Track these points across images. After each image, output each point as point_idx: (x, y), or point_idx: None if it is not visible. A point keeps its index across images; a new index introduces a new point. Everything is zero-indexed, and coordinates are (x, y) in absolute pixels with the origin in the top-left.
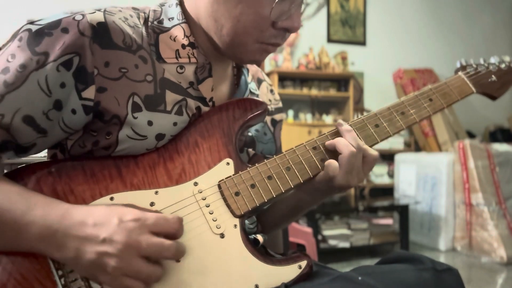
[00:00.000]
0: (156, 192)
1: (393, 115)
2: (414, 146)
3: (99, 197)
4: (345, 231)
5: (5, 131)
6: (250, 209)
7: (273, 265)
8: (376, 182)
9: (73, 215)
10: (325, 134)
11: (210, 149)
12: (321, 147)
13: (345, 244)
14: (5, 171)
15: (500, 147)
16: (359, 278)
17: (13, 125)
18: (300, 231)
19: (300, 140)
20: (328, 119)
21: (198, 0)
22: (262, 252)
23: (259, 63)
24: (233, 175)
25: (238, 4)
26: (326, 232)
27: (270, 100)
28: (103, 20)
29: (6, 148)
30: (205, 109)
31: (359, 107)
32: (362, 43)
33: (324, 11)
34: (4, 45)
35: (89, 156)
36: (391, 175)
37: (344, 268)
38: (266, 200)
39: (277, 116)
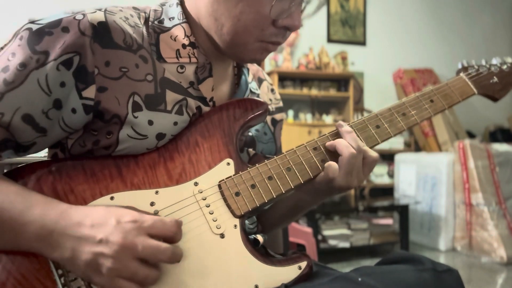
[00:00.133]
0: (157, 192)
1: (394, 116)
2: (414, 146)
3: (99, 196)
4: (345, 231)
5: (5, 129)
6: (250, 209)
7: (273, 266)
8: (376, 182)
9: (71, 215)
10: (325, 134)
11: (211, 149)
12: (322, 148)
13: (345, 244)
14: (5, 170)
15: (500, 147)
16: (359, 278)
17: (12, 123)
18: (300, 231)
19: (300, 140)
20: (328, 119)
21: (198, 0)
22: (262, 252)
23: (260, 62)
24: (234, 175)
25: (239, 3)
26: (326, 232)
27: (270, 100)
28: (103, 19)
29: (6, 147)
30: (205, 109)
31: (359, 107)
32: (362, 43)
33: (324, 11)
34: (5, 45)
35: (90, 155)
36: (391, 175)
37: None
38: (266, 201)
39: (278, 116)
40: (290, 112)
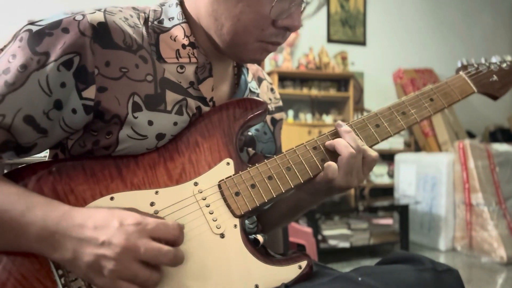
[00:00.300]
0: (156, 192)
1: (393, 115)
2: (414, 146)
3: (99, 196)
4: (345, 231)
5: (6, 131)
6: (250, 209)
7: (273, 265)
8: (376, 182)
9: (73, 217)
10: (325, 134)
11: (211, 149)
12: (322, 147)
13: (345, 244)
14: (5, 171)
15: (500, 147)
16: (359, 278)
17: (14, 125)
18: (300, 231)
19: (300, 140)
20: (328, 119)
21: (198, 0)
22: (262, 252)
23: (260, 62)
24: (233, 175)
25: (238, 3)
26: (326, 232)
27: (270, 99)
28: (103, 20)
29: (7, 149)
30: (205, 109)
31: (359, 107)
32: (362, 43)
33: (324, 11)
34: (5, 46)
35: (90, 155)
36: (391, 175)
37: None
38: (266, 200)
39: (277, 115)
40: (290, 112)
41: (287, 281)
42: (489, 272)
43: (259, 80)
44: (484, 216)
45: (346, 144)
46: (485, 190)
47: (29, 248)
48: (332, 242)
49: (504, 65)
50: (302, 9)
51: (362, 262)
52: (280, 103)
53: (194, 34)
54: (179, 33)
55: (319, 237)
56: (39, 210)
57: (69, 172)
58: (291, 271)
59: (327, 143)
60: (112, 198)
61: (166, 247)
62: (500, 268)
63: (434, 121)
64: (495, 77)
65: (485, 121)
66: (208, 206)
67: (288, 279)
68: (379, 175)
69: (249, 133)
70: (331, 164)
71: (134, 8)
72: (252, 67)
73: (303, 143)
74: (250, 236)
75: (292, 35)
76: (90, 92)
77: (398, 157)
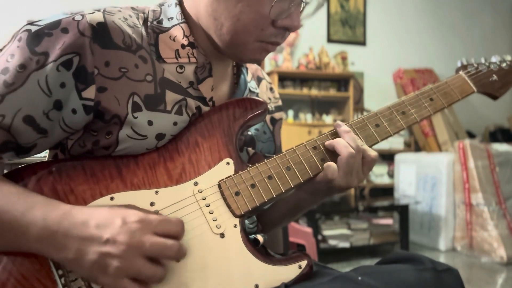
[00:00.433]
0: (156, 192)
1: (393, 114)
2: (414, 146)
3: (99, 196)
4: (345, 231)
5: (6, 131)
6: (250, 209)
7: (273, 265)
8: (376, 182)
9: (75, 216)
10: (325, 134)
11: (210, 149)
12: (321, 147)
13: (345, 244)
14: (5, 171)
15: (500, 147)
16: (359, 278)
17: (13, 125)
18: (300, 231)
19: (300, 140)
20: (328, 119)
21: (197, 0)
22: (262, 252)
23: (259, 62)
24: (233, 174)
25: (238, 3)
26: (326, 232)
27: (269, 99)
28: (102, 20)
29: (7, 149)
30: (205, 108)
31: (359, 107)
32: (362, 43)
33: (324, 11)
34: (4, 46)
35: (89, 155)
36: (391, 175)
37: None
38: (266, 200)
39: (277, 115)
40: (290, 112)
41: (287, 281)
42: (489, 272)
43: (259, 80)
44: (484, 216)
45: (345, 144)
46: (485, 190)
47: (30, 248)
48: (332, 242)
49: (504, 64)
50: (302, 9)
51: (362, 262)
52: (280, 103)
53: (194, 34)
54: (179, 33)
55: (319, 237)
56: (39, 210)
57: (69, 172)
58: (291, 271)
59: (327, 143)
60: (112, 198)
61: (170, 241)
62: (500, 268)
63: (434, 121)
64: (495, 77)
65: (485, 121)
66: (208, 206)
67: (288, 278)
68: (379, 175)
69: (249, 133)
70: (331, 164)
71: (133, 8)
72: (252, 67)
73: (303, 143)
74: (250, 236)
75: (292, 35)
76: (90, 92)
77: (398, 157)
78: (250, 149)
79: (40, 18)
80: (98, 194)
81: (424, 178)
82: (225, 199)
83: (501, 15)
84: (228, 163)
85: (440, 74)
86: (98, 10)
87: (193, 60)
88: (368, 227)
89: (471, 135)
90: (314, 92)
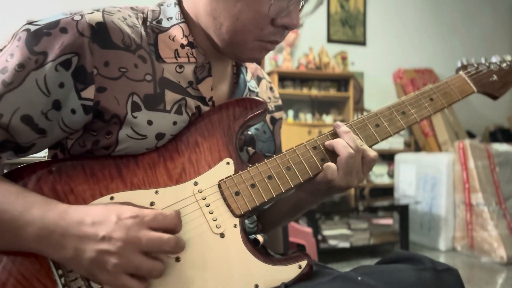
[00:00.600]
0: (156, 192)
1: (393, 114)
2: (414, 146)
3: (99, 196)
4: (345, 231)
5: (4, 130)
6: (250, 208)
7: (273, 265)
8: (376, 182)
9: (71, 215)
10: (325, 134)
11: (210, 149)
12: (321, 147)
13: (345, 244)
14: (5, 171)
15: (500, 147)
16: (359, 278)
17: (11, 124)
18: (300, 231)
19: (300, 140)
20: (328, 119)
21: None
22: (262, 252)
23: (259, 61)
24: (233, 174)
25: (237, 2)
26: (326, 232)
27: (269, 98)
28: (102, 20)
29: (6, 148)
30: (204, 108)
31: (359, 107)
32: (362, 43)
33: (324, 11)
34: (4, 46)
35: (89, 155)
36: (391, 175)
37: (344, 268)
38: (266, 200)
39: (277, 115)
40: (290, 112)
41: (287, 281)
42: (489, 272)
43: (258, 79)
44: (484, 216)
45: (345, 144)
46: (485, 190)
47: (29, 248)
48: (332, 242)
49: (504, 64)
50: (300, 7)
51: (362, 262)
52: (280, 102)
53: (193, 33)
54: (178, 33)
55: (319, 237)
56: (37, 210)
57: (69, 172)
58: (291, 271)
59: (327, 143)
60: (112, 198)
61: (166, 235)
62: (500, 268)
63: (434, 121)
64: (495, 77)
65: (485, 121)
66: (208, 205)
67: (288, 278)
68: (379, 175)
69: (249, 132)
70: (330, 165)
71: (132, 8)
72: (251, 66)
73: (303, 143)
74: (250, 236)
75: (292, 35)
76: (89, 92)
77: (398, 157)
78: (250, 148)
79: (40, 18)
80: (98, 194)
81: (424, 178)
82: (225, 199)
83: (500, 15)
84: (228, 163)
85: (440, 74)
86: (97, 10)
87: (192, 59)
88: (368, 227)
89: (471, 135)
90: (314, 92)
